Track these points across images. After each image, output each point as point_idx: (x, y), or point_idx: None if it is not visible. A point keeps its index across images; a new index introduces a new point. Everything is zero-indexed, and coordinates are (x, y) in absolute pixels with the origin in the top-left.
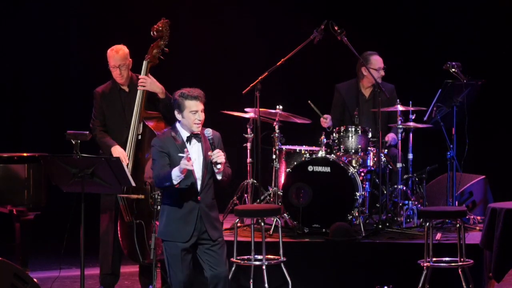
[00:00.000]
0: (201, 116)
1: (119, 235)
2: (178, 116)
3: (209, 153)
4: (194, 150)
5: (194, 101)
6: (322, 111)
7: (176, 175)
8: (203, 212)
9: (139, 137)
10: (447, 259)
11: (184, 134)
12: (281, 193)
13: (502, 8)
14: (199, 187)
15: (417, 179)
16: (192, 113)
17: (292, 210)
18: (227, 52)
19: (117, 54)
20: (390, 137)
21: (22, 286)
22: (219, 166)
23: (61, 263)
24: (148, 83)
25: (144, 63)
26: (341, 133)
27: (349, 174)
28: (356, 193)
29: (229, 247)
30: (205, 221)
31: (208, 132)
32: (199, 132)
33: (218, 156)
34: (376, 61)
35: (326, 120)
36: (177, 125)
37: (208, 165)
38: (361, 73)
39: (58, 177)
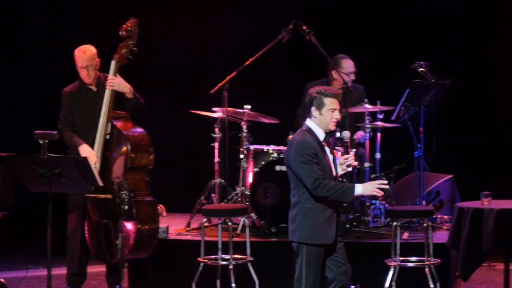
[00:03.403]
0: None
1: (86, 235)
2: (315, 113)
3: (345, 156)
4: (327, 149)
5: (333, 99)
6: (290, 110)
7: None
8: (338, 212)
9: (107, 136)
10: (414, 258)
11: (319, 132)
12: (249, 193)
13: (470, 8)
14: None
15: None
16: (331, 111)
17: (259, 210)
18: (195, 51)
19: (84, 55)
20: (359, 134)
21: None
22: (350, 168)
23: (28, 263)
24: (117, 83)
25: (113, 62)
26: None
27: None
28: None
29: (196, 246)
30: (340, 221)
31: (346, 135)
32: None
33: (353, 159)
34: (348, 65)
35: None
36: (310, 123)
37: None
38: (332, 76)
39: (25, 177)
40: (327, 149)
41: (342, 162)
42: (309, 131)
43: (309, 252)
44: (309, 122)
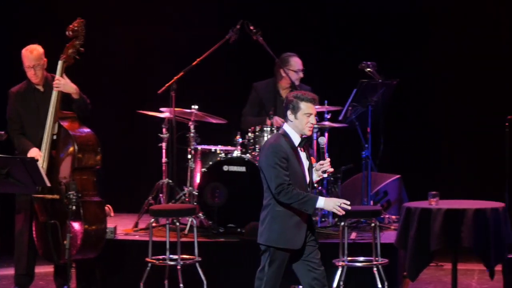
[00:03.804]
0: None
1: (34, 235)
2: (290, 117)
3: (321, 162)
4: (302, 155)
5: (309, 103)
6: (238, 110)
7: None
8: (309, 218)
9: (54, 137)
10: (362, 258)
11: (295, 137)
12: (197, 193)
13: (416, 8)
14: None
15: (332, 178)
16: (306, 115)
17: (207, 210)
18: (143, 51)
19: (31, 54)
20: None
21: None
22: (325, 175)
23: None
24: (62, 84)
25: (60, 63)
26: (257, 133)
27: None
28: None
29: (144, 247)
30: (310, 226)
31: (322, 140)
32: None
33: (329, 165)
34: (296, 62)
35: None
36: (287, 127)
37: (309, 169)
38: (280, 74)
39: None
40: (303, 155)
41: (318, 168)
42: (285, 135)
43: (275, 254)
44: (285, 126)
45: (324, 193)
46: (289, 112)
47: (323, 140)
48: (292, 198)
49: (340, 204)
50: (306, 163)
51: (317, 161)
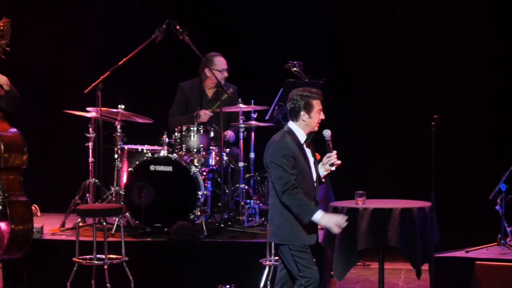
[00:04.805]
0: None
1: None
2: (304, 117)
3: (328, 155)
4: (308, 151)
5: (318, 100)
6: (164, 110)
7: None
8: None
9: None
10: None
11: (301, 134)
12: (123, 193)
13: (342, 8)
14: (316, 190)
15: (259, 178)
16: (318, 112)
17: (134, 210)
18: (69, 51)
19: None
20: (228, 133)
21: None
22: (333, 168)
23: None
24: None
25: None
26: (183, 133)
27: (191, 173)
28: (198, 192)
29: (71, 247)
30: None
31: (327, 133)
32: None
33: (336, 158)
34: (220, 62)
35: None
36: (292, 125)
37: (315, 165)
38: (205, 74)
39: None
40: (308, 151)
41: (326, 161)
42: (290, 132)
43: (295, 250)
44: (291, 124)
45: (251, 192)
46: (303, 112)
47: (328, 132)
48: (294, 202)
49: (338, 223)
50: (311, 159)
51: (322, 158)
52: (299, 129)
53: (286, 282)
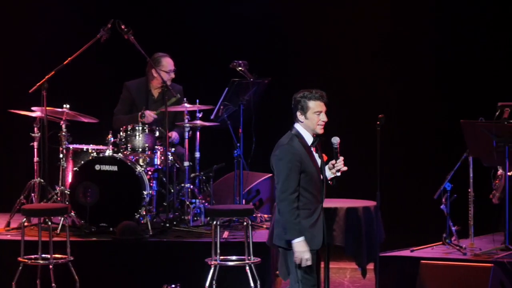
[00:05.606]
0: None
1: None
2: (300, 117)
3: (332, 162)
4: (316, 155)
5: (318, 101)
6: (109, 109)
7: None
8: (324, 218)
9: None
10: (234, 257)
11: (308, 136)
12: (68, 192)
13: (287, 8)
14: (324, 192)
15: (204, 177)
16: (316, 114)
17: (79, 209)
18: (13, 50)
19: None
20: (173, 134)
21: None
22: (339, 173)
23: None
24: None
25: None
26: (128, 132)
27: (136, 173)
28: (144, 191)
29: (16, 246)
30: (326, 226)
31: (336, 140)
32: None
33: (342, 164)
34: (168, 63)
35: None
36: (299, 127)
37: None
38: (151, 74)
39: None
40: (316, 154)
41: (331, 167)
42: (298, 135)
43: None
44: (297, 126)
45: (196, 192)
46: (298, 113)
47: (337, 140)
48: (287, 214)
49: (306, 259)
50: (319, 161)
51: (329, 159)
52: (305, 131)
53: None
